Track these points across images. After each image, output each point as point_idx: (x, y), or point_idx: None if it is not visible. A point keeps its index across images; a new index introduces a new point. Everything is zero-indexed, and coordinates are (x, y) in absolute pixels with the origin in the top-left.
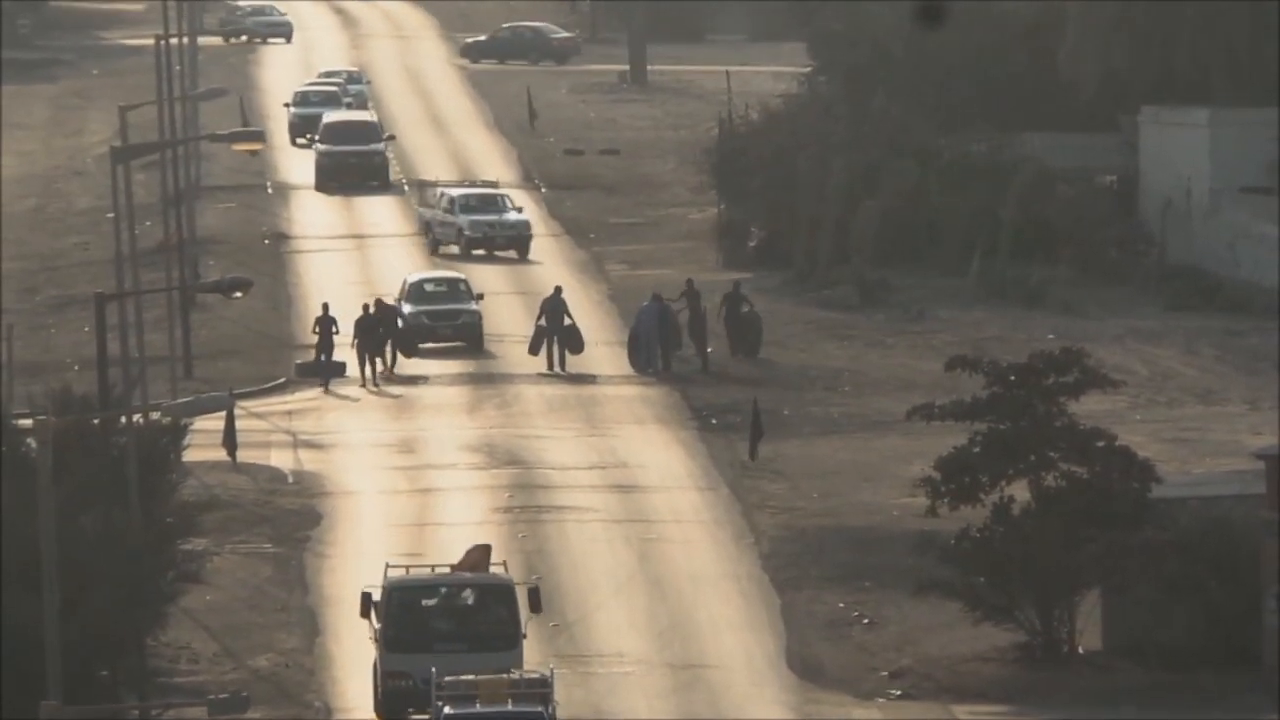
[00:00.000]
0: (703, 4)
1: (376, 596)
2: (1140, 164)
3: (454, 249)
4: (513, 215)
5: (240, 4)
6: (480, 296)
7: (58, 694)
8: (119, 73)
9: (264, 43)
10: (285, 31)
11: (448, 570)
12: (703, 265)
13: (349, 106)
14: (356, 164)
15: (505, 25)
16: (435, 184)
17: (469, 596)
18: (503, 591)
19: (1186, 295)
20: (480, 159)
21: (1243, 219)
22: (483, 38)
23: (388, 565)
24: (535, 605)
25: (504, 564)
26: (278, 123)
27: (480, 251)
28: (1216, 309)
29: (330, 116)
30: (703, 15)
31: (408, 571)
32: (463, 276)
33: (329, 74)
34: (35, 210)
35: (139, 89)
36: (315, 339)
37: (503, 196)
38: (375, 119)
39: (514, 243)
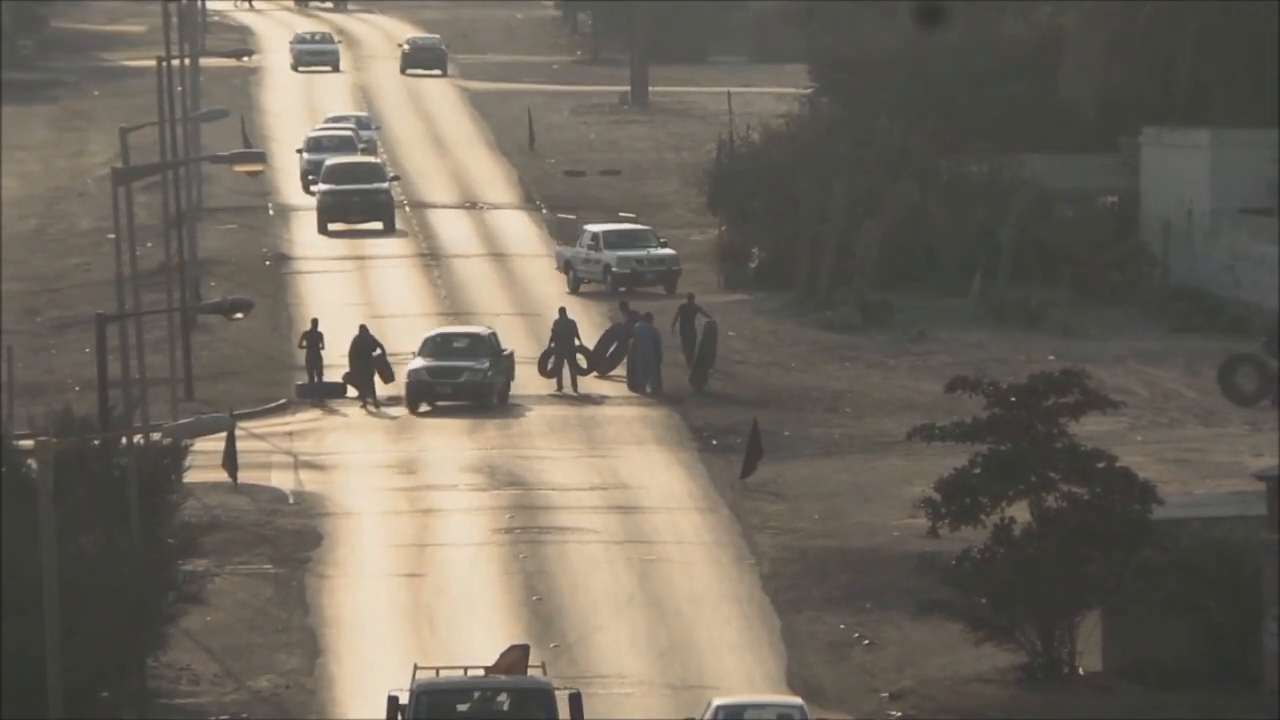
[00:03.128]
0: (704, 25)
1: (404, 700)
2: (1141, 185)
3: (598, 287)
4: (661, 250)
5: (301, 32)
6: (508, 353)
7: (59, 715)
8: (120, 94)
9: (333, 71)
10: (331, 60)
11: (481, 672)
12: (704, 286)
13: (362, 153)
14: (360, 203)
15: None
16: (573, 220)
17: (504, 702)
18: (542, 697)
19: (1187, 316)
20: (481, 180)
21: (1243, 240)
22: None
23: (416, 667)
24: (577, 714)
25: (543, 666)
26: (279, 144)
27: (624, 288)
28: (1218, 330)
29: (333, 159)
30: (704, 37)
31: (438, 673)
32: (489, 332)
33: (337, 118)
34: (36, 231)
35: (140, 110)
36: (303, 354)
37: (648, 230)
38: (381, 160)
39: (663, 279)
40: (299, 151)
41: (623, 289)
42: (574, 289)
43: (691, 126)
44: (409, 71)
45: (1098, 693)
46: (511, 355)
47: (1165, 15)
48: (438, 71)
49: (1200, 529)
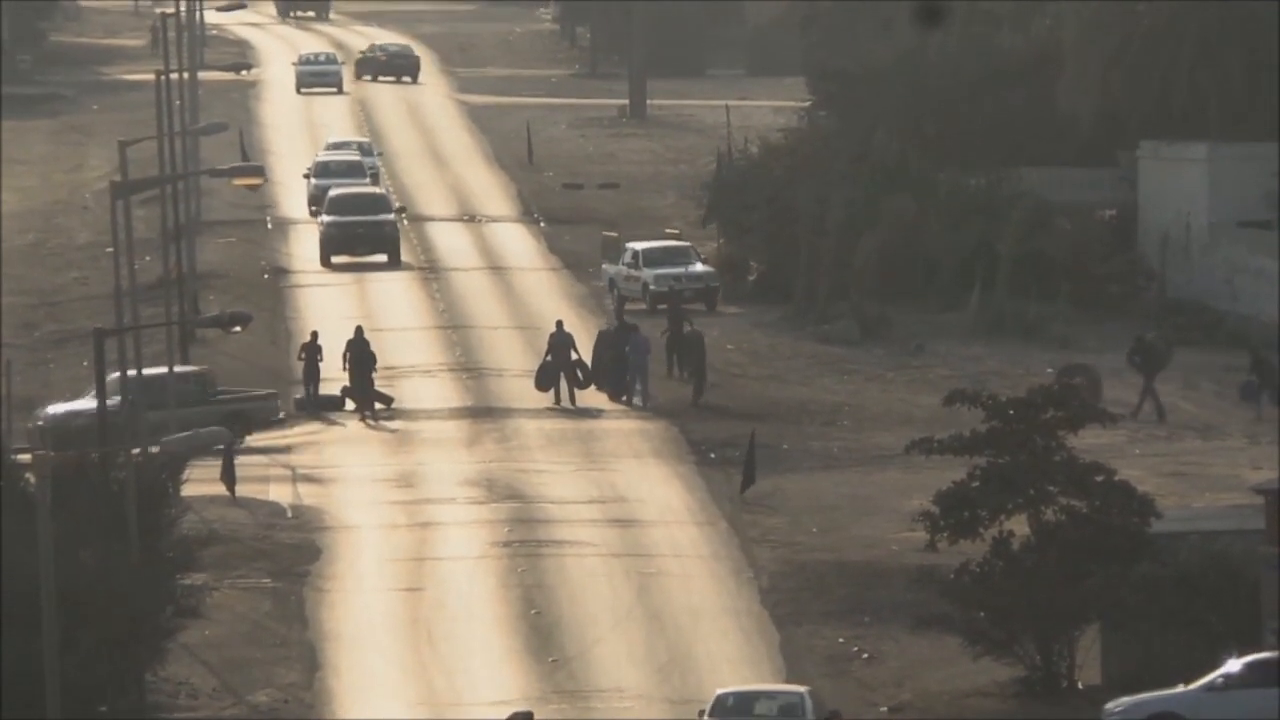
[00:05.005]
0: (702, 38)
1: None
2: (1139, 198)
3: (640, 304)
4: (699, 267)
5: (304, 53)
6: (244, 398)
7: None
8: (119, 108)
9: (337, 92)
10: (334, 80)
11: None
12: None
13: (371, 177)
14: (365, 235)
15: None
16: (615, 237)
17: None
18: None
19: (1186, 329)
20: (480, 194)
21: (1241, 253)
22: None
23: None
24: None
25: None
26: (278, 158)
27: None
28: (1216, 343)
29: (337, 190)
30: (702, 50)
31: None
32: (201, 371)
33: (338, 144)
34: (35, 245)
35: (139, 124)
36: (301, 365)
37: (689, 247)
38: (386, 191)
39: (701, 296)
40: (306, 176)
41: (661, 306)
42: (618, 307)
43: (689, 139)
44: (380, 79)
45: (1097, 706)
46: (250, 403)
47: (1163, 29)
48: (408, 79)
49: (1199, 542)
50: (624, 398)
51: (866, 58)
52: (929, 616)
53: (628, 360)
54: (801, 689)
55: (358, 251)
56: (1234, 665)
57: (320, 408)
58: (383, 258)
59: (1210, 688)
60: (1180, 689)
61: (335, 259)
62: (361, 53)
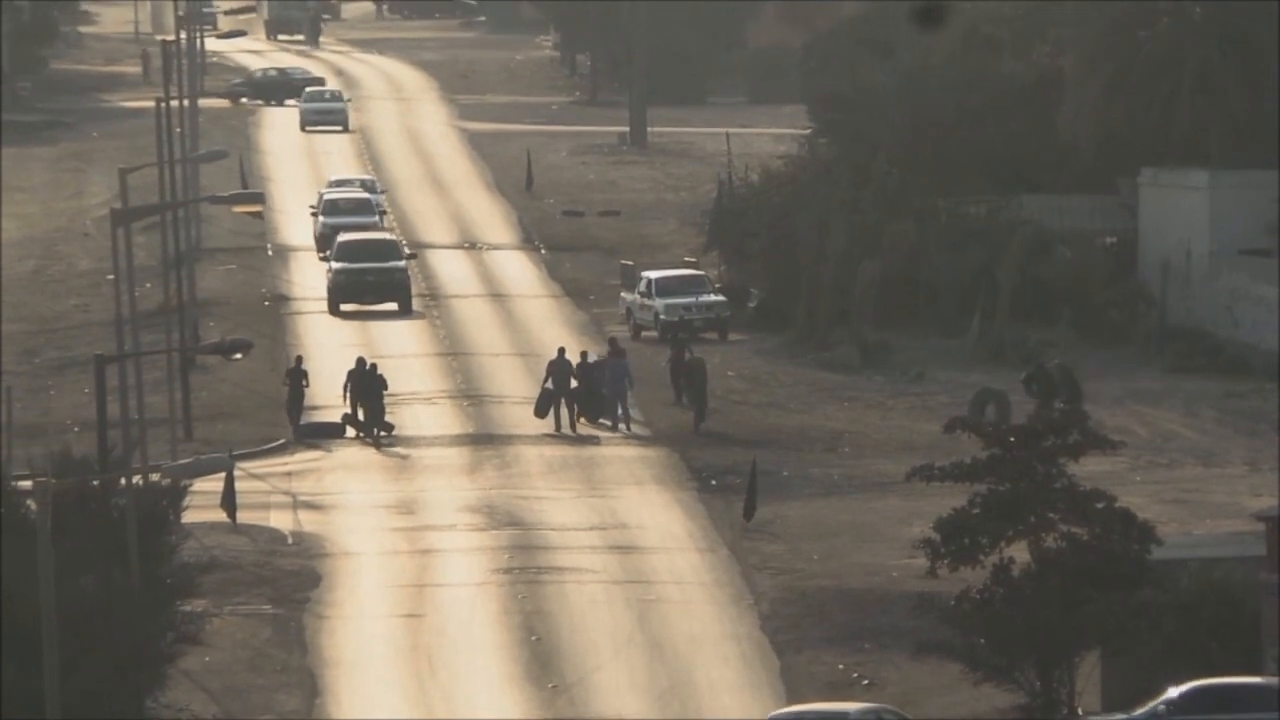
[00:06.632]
0: (703, 66)
1: None
2: (1139, 226)
3: (654, 334)
4: (710, 297)
5: (309, 90)
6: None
7: None
8: (119, 135)
9: (343, 131)
10: (340, 119)
11: None
12: None
13: (381, 215)
14: (375, 282)
15: None
16: (631, 265)
17: None
18: None
19: (1186, 357)
20: (481, 221)
21: (1242, 281)
22: None
23: None
24: None
25: None
26: (278, 185)
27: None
28: (1217, 371)
29: (346, 235)
30: (703, 77)
31: None
32: None
33: (340, 182)
34: (35, 272)
35: (139, 151)
36: (286, 391)
37: (702, 276)
38: (396, 236)
39: (712, 325)
40: (313, 214)
41: (669, 336)
42: (634, 336)
43: (690, 167)
44: (287, 104)
45: None
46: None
47: (1163, 56)
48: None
49: (1199, 569)
50: (598, 420)
51: (867, 84)
52: (929, 643)
53: (603, 385)
54: (849, 707)
55: (367, 300)
56: (1175, 692)
57: (319, 435)
58: (393, 306)
59: (1153, 714)
60: (1121, 716)
61: (344, 307)
62: (256, 73)
